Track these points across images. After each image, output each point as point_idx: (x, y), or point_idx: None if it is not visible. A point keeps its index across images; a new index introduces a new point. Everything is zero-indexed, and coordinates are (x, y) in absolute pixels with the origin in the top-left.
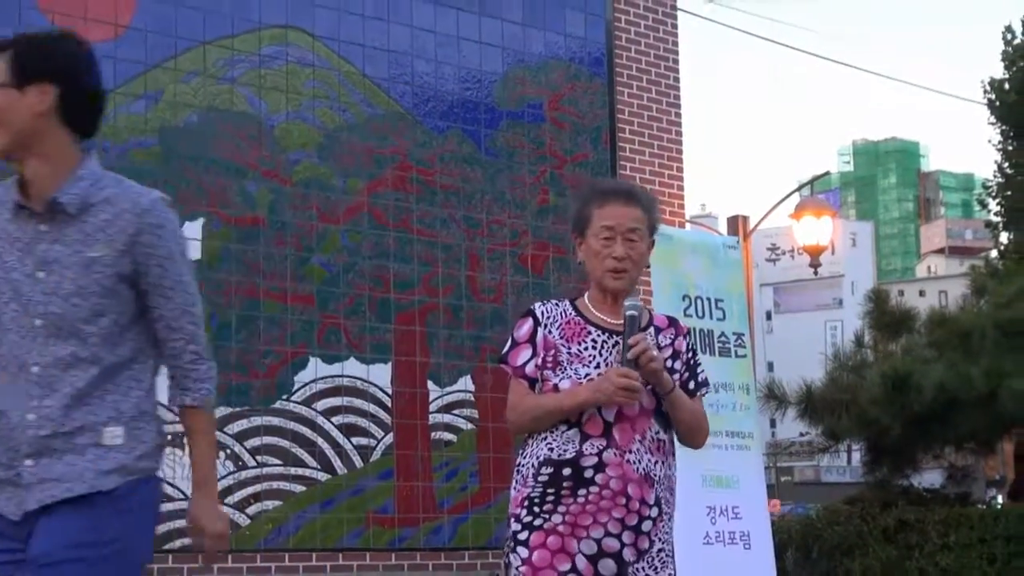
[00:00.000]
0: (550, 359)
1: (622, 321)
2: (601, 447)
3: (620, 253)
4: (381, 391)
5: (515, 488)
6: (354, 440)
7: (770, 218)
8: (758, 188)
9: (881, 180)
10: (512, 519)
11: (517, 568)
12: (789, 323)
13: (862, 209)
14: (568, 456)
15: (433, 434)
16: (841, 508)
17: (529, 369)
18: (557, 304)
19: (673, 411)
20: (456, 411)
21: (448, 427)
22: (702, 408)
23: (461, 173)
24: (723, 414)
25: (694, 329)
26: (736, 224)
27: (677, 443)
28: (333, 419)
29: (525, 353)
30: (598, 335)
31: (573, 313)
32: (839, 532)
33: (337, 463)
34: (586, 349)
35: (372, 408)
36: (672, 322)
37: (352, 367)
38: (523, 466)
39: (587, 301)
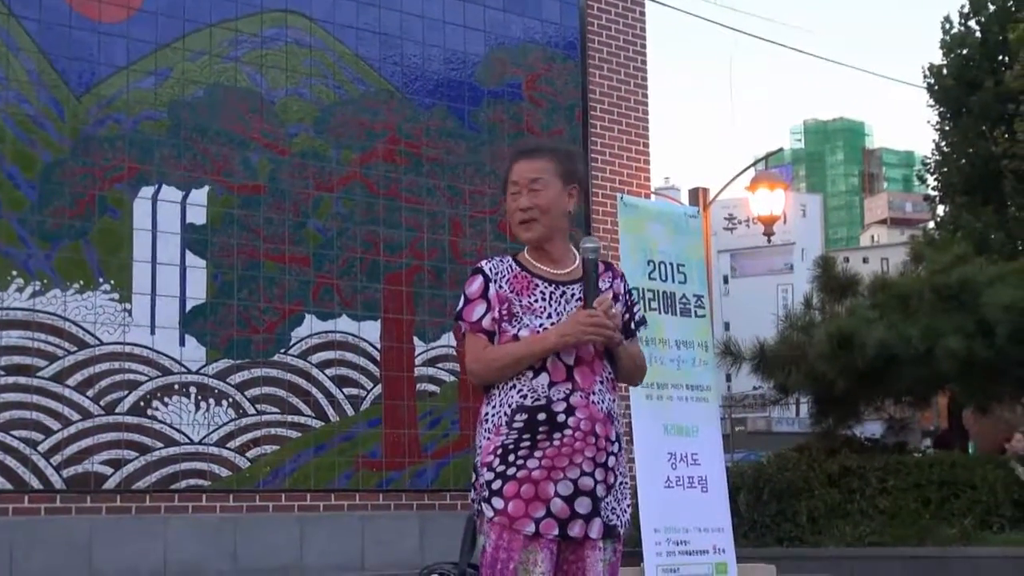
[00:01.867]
0: (504, 312)
1: (566, 271)
2: (568, 391)
3: (523, 203)
4: (371, 346)
5: (485, 438)
6: (345, 390)
7: (728, 190)
8: (717, 163)
9: (829, 156)
10: (484, 468)
11: (491, 519)
12: (744, 286)
13: (812, 183)
14: (541, 402)
15: (418, 385)
16: (790, 455)
17: (486, 323)
18: (502, 260)
19: (618, 360)
20: (439, 365)
21: (432, 379)
22: (639, 349)
23: (446, 146)
24: (684, 369)
25: (658, 291)
26: (697, 195)
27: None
28: (326, 371)
29: (479, 308)
30: (545, 287)
31: (518, 268)
32: (788, 477)
33: (330, 411)
34: (536, 301)
35: (362, 361)
36: (608, 266)
37: (344, 323)
38: (492, 415)
39: (526, 255)
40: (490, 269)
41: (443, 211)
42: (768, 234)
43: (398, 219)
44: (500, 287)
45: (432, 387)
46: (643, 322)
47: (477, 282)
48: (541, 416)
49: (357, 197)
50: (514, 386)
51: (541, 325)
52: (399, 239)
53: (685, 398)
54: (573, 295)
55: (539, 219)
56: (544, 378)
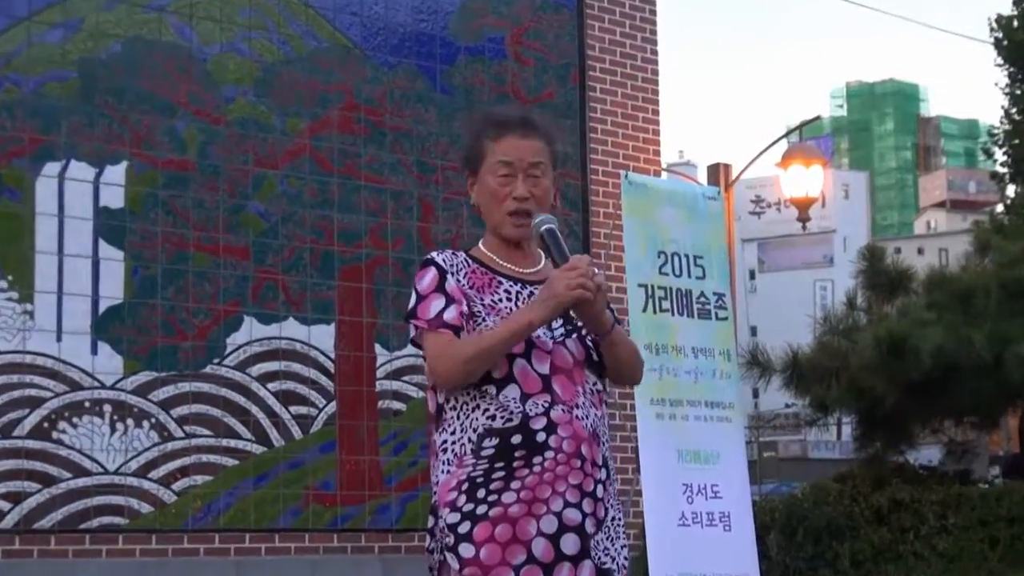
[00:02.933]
0: (464, 310)
1: (534, 270)
2: (546, 404)
3: (522, 192)
4: (323, 355)
5: (444, 471)
6: (292, 409)
7: (754, 167)
8: (742, 134)
9: (877, 126)
10: (446, 509)
11: (459, 571)
12: (774, 282)
13: (856, 158)
14: (515, 421)
15: (381, 403)
16: (830, 486)
17: (450, 316)
18: (454, 254)
19: (613, 350)
20: (406, 377)
21: (397, 395)
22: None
23: (413, 114)
24: (702, 382)
25: (670, 289)
26: (717, 173)
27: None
28: (269, 385)
29: (437, 303)
30: (510, 286)
31: (475, 264)
32: (827, 513)
33: (273, 434)
34: (500, 301)
35: (313, 373)
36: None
37: (291, 328)
38: (453, 444)
39: (486, 250)
40: (444, 260)
41: (410, 191)
42: (803, 220)
43: (356, 201)
44: (459, 281)
45: (398, 404)
46: (618, 320)
47: (430, 275)
48: (516, 439)
49: (306, 175)
50: (477, 406)
51: None
52: (358, 225)
53: (703, 418)
54: None
55: (533, 213)
56: (514, 391)
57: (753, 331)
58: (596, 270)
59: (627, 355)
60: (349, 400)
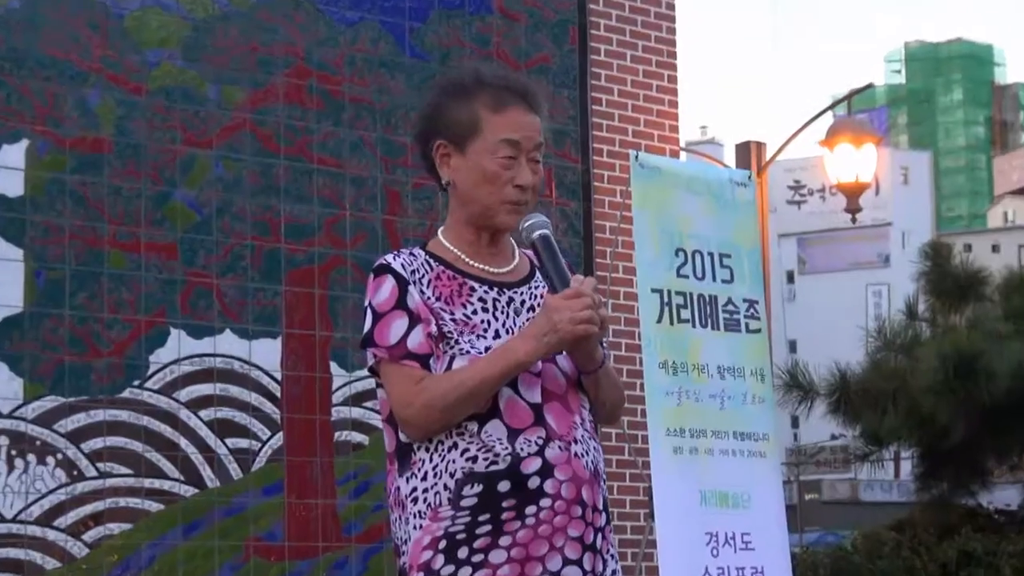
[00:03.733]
0: (432, 331)
1: (509, 269)
2: (540, 441)
3: (528, 180)
4: (267, 375)
5: (416, 526)
6: (230, 442)
7: (793, 146)
8: (778, 107)
9: (942, 96)
10: (420, 573)
11: None
12: (817, 287)
13: (917, 135)
14: (501, 464)
15: (337, 434)
16: (885, 536)
17: (414, 343)
18: (412, 254)
19: (598, 389)
20: (368, 403)
21: (358, 425)
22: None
23: (378, 82)
24: (730, 409)
25: (690, 295)
26: (748, 153)
27: None
28: (202, 413)
29: (399, 324)
30: (485, 292)
31: (438, 265)
32: (883, 567)
33: (207, 472)
34: (475, 314)
35: (254, 399)
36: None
37: (228, 343)
38: (425, 492)
39: (450, 245)
40: (401, 266)
41: (374, 177)
42: (853, 211)
43: (308, 188)
44: (423, 292)
45: (358, 436)
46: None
47: (386, 286)
48: (504, 485)
49: (247, 156)
50: (455, 444)
51: (487, 347)
52: (309, 218)
53: (731, 452)
54: (524, 303)
55: (529, 203)
56: (498, 428)
57: (792, 346)
58: (601, 297)
59: (612, 395)
60: (299, 431)
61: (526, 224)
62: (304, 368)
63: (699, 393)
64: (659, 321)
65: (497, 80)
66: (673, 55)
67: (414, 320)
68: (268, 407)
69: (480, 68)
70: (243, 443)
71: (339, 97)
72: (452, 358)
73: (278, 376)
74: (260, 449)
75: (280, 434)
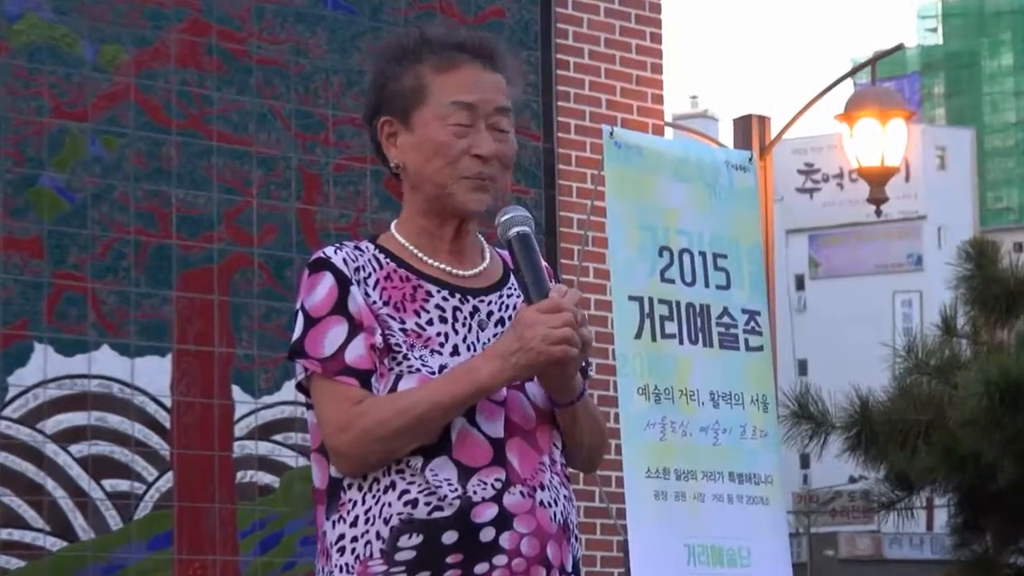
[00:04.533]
0: (376, 342)
1: (476, 271)
2: (498, 485)
3: (489, 148)
4: (153, 402)
5: None
6: (108, 483)
7: (804, 121)
8: (785, 73)
9: (987, 60)
10: None
11: None
12: (833, 294)
13: (956, 108)
14: (447, 511)
15: (240, 474)
16: None
17: (353, 356)
18: (359, 248)
19: (574, 426)
20: (279, 436)
21: (266, 463)
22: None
23: (292, 40)
24: (725, 444)
25: (676, 304)
26: (749, 130)
27: None
28: (73, 448)
29: (336, 332)
30: (443, 299)
31: (389, 262)
32: None
33: (79, 522)
34: (430, 324)
35: (138, 430)
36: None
37: (105, 361)
38: (352, 540)
39: (404, 241)
40: (344, 261)
41: (287, 156)
42: (877, 201)
43: (205, 171)
44: (368, 294)
45: (266, 478)
46: (588, 368)
47: (323, 285)
48: (450, 537)
49: (130, 130)
50: (393, 484)
51: (442, 367)
52: (208, 207)
53: (727, 497)
54: (491, 315)
55: (498, 179)
56: (446, 466)
57: (802, 367)
58: (584, 313)
59: (592, 437)
60: (192, 470)
61: (503, 218)
62: (200, 393)
63: (687, 425)
64: (638, 336)
65: (446, 37)
66: (657, 8)
67: (355, 328)
68: (155, 441)
69: (426, 27)
70: (124, 485)
71: (244, 58)
72: (398, 377)
73: (167, 402)
74: (145, 493)
75: (169, 474)
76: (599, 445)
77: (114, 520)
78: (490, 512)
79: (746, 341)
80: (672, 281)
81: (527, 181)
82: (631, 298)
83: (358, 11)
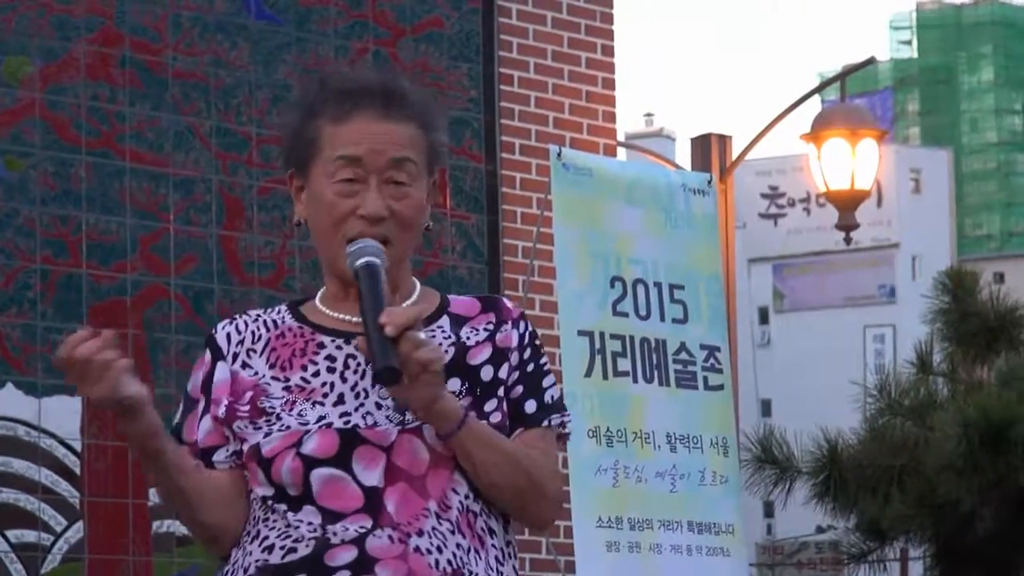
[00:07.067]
0: (244, 408)
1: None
2: (362, 529)
3: (375, 207)
4: (62, 445)
5: None
6: (13, 535)
7: (768, 141)
8: (747, 89)
9: (967, 75)
10: None
11: None
12: (800, 329)
13: (931, 126)
14: (303, 551)
15: (157, 524)
16: None
17: (201, 434)
18: (266, 312)
19: (469, 461)
20: None
21: None
22: (546, 449)
23: (213, 52)
24: (683, 491)
25: (630, 339)
26: (708, 150)
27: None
28: None
29: (197, 413)
30: (337, 347)
31: (287, 320)
32: None
33: None
34: (315, 375)
35: (46, 476)
36: (489, 304)
37: (10, 401)
38: None
39: (317, 301)
40: (228, 336)
41: (208, 179)
42: (846, 227)
43: (118, 194)
44: (243, 364)
45: (184, 528)
46: (557, 406)
47: (201, 364)
48: None
49: (36, 150)
50: (257, 534)
51: (322, 417)
52: (121, 234)
53: (685, 548)
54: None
55: (395, 240)
56: (311, 513)
57: (766, 407)
58: (423, 334)
59: (508, 475)
60: (105, 520)
61: (351, 249)
62: (113, 436)
63: (642, 470)
64: (588, 374)
65: (342, 83)
66: (609, 18)
67: (207, 406)
68: (64, 488)
69: (328, 73)
70: (30, 536)
71: (161, 72)
72: (267, 435)
73: (77, 446)
74: (53, 544)
75: (80, 524)
76: (527, 487)
77: (19, 574)
78: (347, 555)
79: (705, 379)
80: (625, 314)
81: (468, 206)
82: (580, 333)
83: (282, 21)
